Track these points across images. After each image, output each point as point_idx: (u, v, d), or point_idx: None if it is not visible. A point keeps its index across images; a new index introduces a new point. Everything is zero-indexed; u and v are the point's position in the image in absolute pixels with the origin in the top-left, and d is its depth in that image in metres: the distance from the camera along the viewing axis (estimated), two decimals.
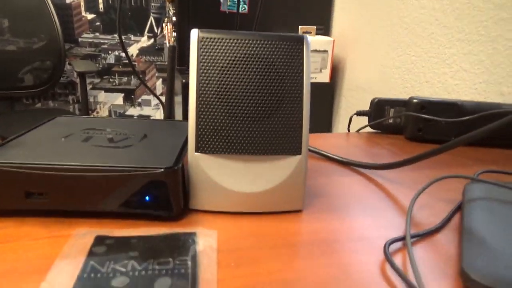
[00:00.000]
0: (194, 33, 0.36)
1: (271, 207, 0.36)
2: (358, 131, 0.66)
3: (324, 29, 1.57)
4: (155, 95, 0.55)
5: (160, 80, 2.06)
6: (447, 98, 0.77)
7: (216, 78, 0.35)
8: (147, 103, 2.07)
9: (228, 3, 1.47)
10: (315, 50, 1.44)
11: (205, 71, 0.35)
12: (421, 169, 0.47)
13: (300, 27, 1.47)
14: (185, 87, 1.39)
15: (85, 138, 0.40)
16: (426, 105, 0.60)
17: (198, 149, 0.35)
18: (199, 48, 0.35)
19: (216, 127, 0.34)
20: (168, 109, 0.51)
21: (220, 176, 0.35)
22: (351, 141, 0.59)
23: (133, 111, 2.04)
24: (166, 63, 2.02)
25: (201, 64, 0.35)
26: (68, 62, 1.83)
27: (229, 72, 0.34)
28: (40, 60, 1.65)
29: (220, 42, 0.35)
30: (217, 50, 0.35)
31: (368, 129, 0.65)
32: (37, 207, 0.33)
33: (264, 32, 0.36)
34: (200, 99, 0.34)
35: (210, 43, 0.35)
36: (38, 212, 0.34)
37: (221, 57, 0.35)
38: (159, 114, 2.09)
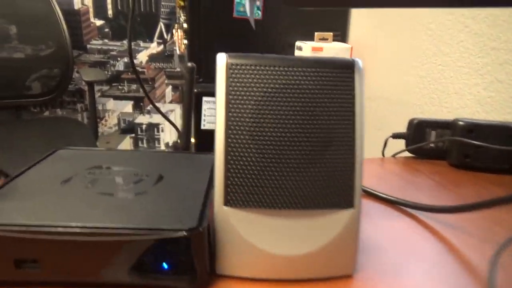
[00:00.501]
0: (222, 59, 0.29)
1: (316, 273, 0.29)
2: (394, 155, 0.59)
3: (341, 35, 1.50)
4: (167, 119, 0.49)
5: (170, 87, 2.01)
6: (497, 120, 0.70)
7: (249, 115, 0.28)
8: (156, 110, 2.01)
9: (241, 9, 1.40)
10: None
11: (235, 106, 0.28)
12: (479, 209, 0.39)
13: (316, 33, 1.40)
14: (198, 97, 1.33)
15: (89, 181, 0.33)
16: (474, 128, 0.53)
17: (227, 202, 0.28)
18: (228, 77, 0.29)
19: (249, 175, 0.28)
20: (186, 139, 0.45)
21: (254, 235, 0.28)
22: (388, 167, 0.52)
23: (142, 118, 1.99)
24: (177, 69, 1.96)
25: (231, 97, 0.28)
26: (77, 70, 1.78)
27: (264, 107, 0.28)
28: (48, 67, 1.61)
29: (254, 70, 0.28)
30: (250, 80, 0.28)
31: (405, 153, 0.58)
32: (29, 278, 0.27)
33: (304, 57, 0.29)
34: (230, 140, 0.28)
35: (241, 71, 0.28)
36: (30, 284, 0.27)
37: (256, 89, 0.28)
38: (168, 123, 2.03)
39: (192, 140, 1.42)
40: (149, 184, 0.34)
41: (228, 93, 0.29)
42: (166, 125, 2.00)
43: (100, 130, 1.94)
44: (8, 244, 0.26)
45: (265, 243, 0.29)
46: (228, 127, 0.29)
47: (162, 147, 2.07)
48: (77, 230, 0.26)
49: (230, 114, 0.29)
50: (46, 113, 1.87)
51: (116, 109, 1.96)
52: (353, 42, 1.58)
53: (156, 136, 2.06)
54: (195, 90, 1.36)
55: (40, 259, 0.27)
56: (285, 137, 0.28)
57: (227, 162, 0.29)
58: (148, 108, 1.98)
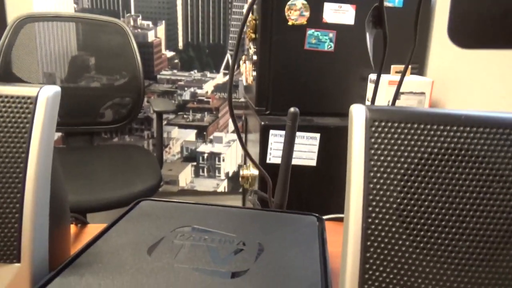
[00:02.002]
0: (359, 112, 0.22)
1: None
2: None
3: (419, 67, 1.40)
4: (262, 170, 0.43)
5: None
6: None
7: (398, 189, 0.21)
8: (219, 140, 2.02)
9: (313, 41, 1.36)
10: (411, 92, 1.26)
11: (379, 175, 0.21)
12: None
13: (392, 66, 1.31)
14: (264, 130, 1.28)
15: (179, 248, 0.28)
16: None
17: None
18: (368, 137, 0.22)
19: (399, 271, 0.20)
20: (282, 196, 0.38)
21: None
22: None
23: (204, 147, 2.00)
24: (241, 100, 1.96)
25: (373, 163, 0.21)
26: (147, 100, 1.84)
27: (420, 178, 0.20)
28: (121, 96, 1.68)
29: (404, 129, 0.21)
30: (400, 142, 0.21)
31: None
32: None
33: (469, 111, 0.22)
34: (371, 221, 0.21)
35: (387, 130, 0.21)
36: None
37: (407, 154, 0.21)
38: (229, 152, 2.02)
39: (255, 172, 1.37)
40: (250, 257, 0.28)
41: (369, 158, 0.22)
42: (227, 154, 1.99)
43: (163, 157, 1.97)
44: None
45: None
46: (368, 203, 0.21)
47: (223, 177, 2.05)
48: None
49: (371, 185, 0.22)
50: (116, 139, 1.94)
51: (180, 137, 2.00)
52: (432, 75, 1.46)
53: (217, 166, 2.05)
54: (262, 123, 1.32)
55: None
56: (449, 220, 0.20)
57: (365, 249, 0.22)
58: (211, 137, 1.99)
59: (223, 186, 1.99)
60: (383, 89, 1.30)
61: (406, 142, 0.22)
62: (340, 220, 0.51)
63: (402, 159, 0.22)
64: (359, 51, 1.43)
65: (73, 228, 0.44)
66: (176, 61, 1.91)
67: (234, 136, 2.02)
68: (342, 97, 1.35)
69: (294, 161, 1.23)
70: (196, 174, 2.04)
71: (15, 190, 0.25)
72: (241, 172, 1.44)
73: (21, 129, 0.26)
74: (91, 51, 1.62)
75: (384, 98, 1.26)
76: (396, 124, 0.22)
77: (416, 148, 0.22)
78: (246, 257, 0.28)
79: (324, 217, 0.49)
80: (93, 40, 1.63)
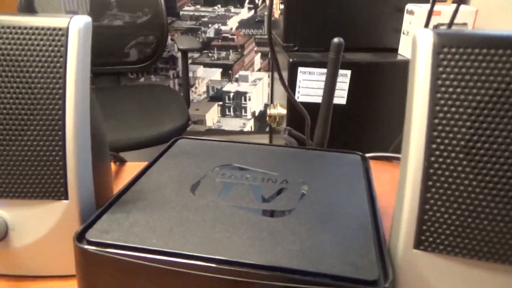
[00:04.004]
0: (426, 37, 0.20)
1: None
2: None
3: None
4: (300, 106, 0.41)
5: (259, 54, 1.94)
6: None
7: (467, 124, 0.19)
8: (245, 79, 1.98)
9: None
10: (453, 23, 1.16)
11: (446, 109, 0.19)
12: None
13: None
14: (293, 68, 1.23)
15: (221, 187, 0.29)
16: None
17: (420, 244, 0.20)
18: (435, 67, 0.19)
19: (460, 211, 0.19)
20: (323, 134, 0.37)
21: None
22: None
23: (230, 86, 1.97)
24: (266, 36, 1.88)
25: (440, 96, 0.19)
26: (170, 38, 1.79)
27: (493, 113, 0.18)
28: (144, 34, 1.64)
29: (477, 56, 0.18)
30: (472, 71, 0.18)
31: None
32: None
33: None
34: (434, 159, 0.19)
35: (457, 58, 0.19)
36: None
37: (480, 85, 0.18)
38: (255, 91, 1.99)
39: (283, 111, 1.34)
40: (294, 195, 0.27)
41: (435, 90, 0.19)
42: (253, 94, 1.96)
43: (190, 97, 1.96)
44: (144, 270, 0.22)
45: None
46: (431, 139, 0.20)
47: (249, 116, 2.04)
48: (228, 268, 0.20)
49: (436, 121, 0.20)
50: (142, 79, 1.93)
51: (206, 77, 1.97)
52: (477, 4, 1.33)
53: (243, 105, 2.04)
54: (290, 60, 1.27)
55: None
56: None
57: (426, 189, 0.20)
58: (237, 76, 1.95)
59: (249, 125, 1.99)
60: (421, 20, 1.20)
61: (480, 71, 0.19)
62: (376, 158, 0.49)
63: (475, 91, 0.19)
64: None
65: (112, 166, 0.45)
66: None
67: (260, 74, 1.97)
68: (375, 31, 1.26)
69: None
70: (223, 114, 2.03)
71: (56, 128, 0.25)
72: (268, 111, 1.42)
73: (55, 64, 0.25)
74: None
75: None
76: (469, 50, 0.19)
77: (492, 78, 0.19)
78: (290, 196, 0.27)
79: None
80: None
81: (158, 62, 1.85)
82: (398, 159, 0.46)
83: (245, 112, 2.04)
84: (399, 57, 1.18)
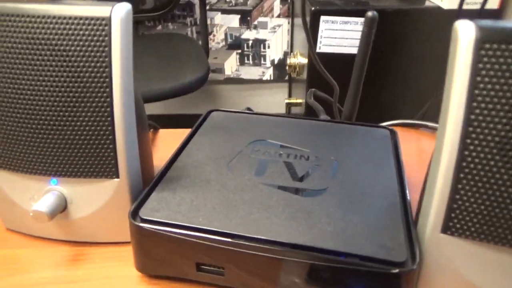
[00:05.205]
0: (467, 30, 0.20)
1: None
2: None
3: None
4: (327, 75, 0.41)
5: (278, 0, 1.86)
6: None
7: (503, 121, 0.20)
8: (264, 25, 1.91)
9: None
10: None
11: (484, 105, 0.20)
12: None
13: None
14: (315, 16, 1.18)
15: (256, 164, 0.31)
16: None
17: (447, 229, 0.22)
18: (475, 63, 0.20)
19: (491, 202, 0.20)
20: (351, 106, 0.37)
21: (475, 272, 0.22)
22: None
23: (249, 34, 1.91)
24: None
25: (478, 92, 0.20)
26: None
27: None
28: None
29: None
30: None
31: None
32: (210, 282, 0.25)
33: None
34: (467, 153, 0.20)
35: (499, 54, 0.19)
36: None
37: None
38: (275, 38, 1.93)
39: (304, 60, 1.32)
40: (326, 174, 0.29)
41: (473, 86, 0.20)
42: (272, 41, 1.91)
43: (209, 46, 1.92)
44: (191, 247, 0.25)
45: (489, 285, 0.22)
46: (466, 134, 0.21)
47: (268, 64, 2.01)
48: (268, 247, 0.23)
49: (473, 116, 0.20)
50: (159, 27, 1.89)
51: (224, 24, 1.91)
52: None
53: (262, 53, 1.99)
54: (312, 8, 1.21)
55: (222, 266, 0.25)
56: None
57: (457, 180, 0.21)
58: (255, 22, 1.89)
59: (268, 74, 1.96)
60: None
61: None
62: (403, 125, 0.49)
63: None
64: None
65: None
66: None
67: (280, 21, 1.90)
68: None
69: (346, 50, 1.16)
70: (241, 62, 2.00)
71: (106, 115, 0.26)
72: (288, 61, 1.40)
73: (100, 53, 0.25)
74: None
75: None
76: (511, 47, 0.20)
77: None
78: (323, 174, 0.29)
79: (386, 124, 0.48)
80: None
81: (175, 10, 1.80)
82: (425, 126, 0.46)
83: (264, 60, 2.00)
84: (427, 3, 1.12)
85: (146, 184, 0.30)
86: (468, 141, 0.21)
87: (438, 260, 0.23)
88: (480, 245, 0.22)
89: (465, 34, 0.20)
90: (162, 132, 0.48)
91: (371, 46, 0.35)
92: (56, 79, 0.26)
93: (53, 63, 0.26)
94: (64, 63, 0.26)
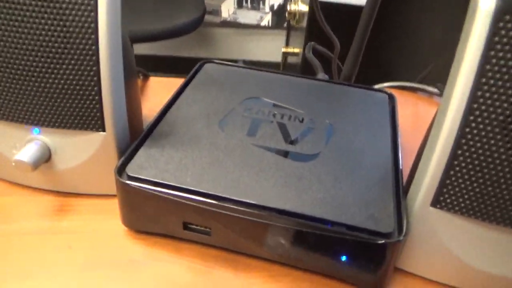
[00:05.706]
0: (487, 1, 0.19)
1: None
2: None
3: None
4: (330, 34, 0.39)
5: None
6: None
7: (510, 100, 0.19)
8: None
9: None
10: None
11: (492, 82, 0.19)
12: None
13: None
14: None
15: (250, 124, 0.30)
16: None
17: (438, 203, 0.22)
18: (490, 35, 0.19)
19: (485, 180, 0.20)
20: (352, 66, 0.35)
21: (461, 246, 0.23)
22: None
23: None
24: None
25: (489, 68, 0.19)
26: None
27: None
28: None
29: None
30: None
31: None
32: (197, 240, 0.25)
33: None
34: (468, 130, 0.20)
35: None
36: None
37: None
38: None
39: (304, 7, 1.26)
40: (320, 138, 0.28)
41: (485, 60, 0.19)
42: None
43: None
44: (178, 207, 0.24)
45: (471, 257, 0.23)
46: (470, 110, 0.20)
47: (267, 9, 1.92)
48: (256, 211, 0.23)
49: (479, 93, 0.20)
50: None
51: None
52: None
53: None
54: None
55: (208, 227, 0.26)
56: None
57: (454, 157, 0.21)
58: None
59: (267, 19, 1.88)
60: None
61: None
62: (400, 88, 0.48)
63: None
64: None
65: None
66: None
67: None
68: None
69: (352, 0, 1.09)
70: (239, 5, 1.91)
71: (91, 63, 0.25)
72: (288, 7, 1.33)
73: None
74: None
75: None
76: None
77: None
78: (317, 138, 0.28)
79: (384, 85, 0.47)
80: None
81: None
82: (424, 90, 0.45)
83: (263, 4, 1.91)
84: None
85: (134, 137, 0.29)
86: (471, 117, 0.20)
87: (425, 233, 0.23)
88: (468, 221, 0.22)
89: (485, 2, 0.19)
90: (153, 80, 0.46)
91: (379, 2, 0.33)
92: (37, 20, 0.24)
93: (37, 8, 0.24)
94: (45, 3, 0.24)
